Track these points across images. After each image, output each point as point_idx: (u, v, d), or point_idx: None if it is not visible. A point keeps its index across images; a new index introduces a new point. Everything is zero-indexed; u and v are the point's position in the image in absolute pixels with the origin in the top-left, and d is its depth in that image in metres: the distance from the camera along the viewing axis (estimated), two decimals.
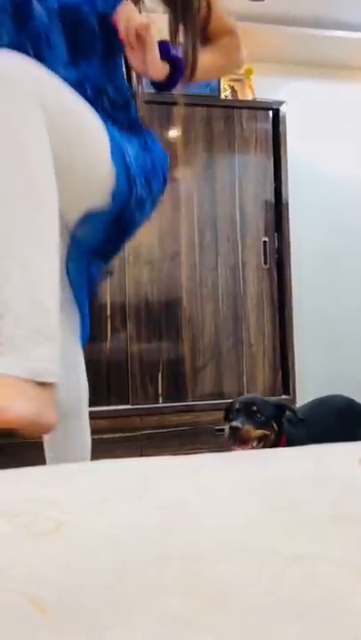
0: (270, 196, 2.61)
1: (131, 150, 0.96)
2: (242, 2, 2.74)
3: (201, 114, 2.55)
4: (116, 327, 2.41)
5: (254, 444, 1.47)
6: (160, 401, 2.44)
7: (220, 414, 2.42)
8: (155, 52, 0.92)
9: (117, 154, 0.92)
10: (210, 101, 2.59)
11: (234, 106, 2.60)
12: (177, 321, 2.47)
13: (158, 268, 2.46)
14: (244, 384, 2.54)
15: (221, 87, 2.94)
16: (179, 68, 1.01)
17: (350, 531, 0.45)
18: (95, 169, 0.91)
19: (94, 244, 1.02)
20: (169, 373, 2.46)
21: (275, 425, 1.54)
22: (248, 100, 2.70)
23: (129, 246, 2.38)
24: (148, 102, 2.35)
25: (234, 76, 3.05)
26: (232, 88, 3.14)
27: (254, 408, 1.51)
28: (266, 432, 1.51)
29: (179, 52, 1.03)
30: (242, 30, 2.63)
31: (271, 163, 2.61)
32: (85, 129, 0.89)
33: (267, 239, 2.59)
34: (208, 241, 2.52)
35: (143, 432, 2.35)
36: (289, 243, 2.63)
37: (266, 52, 3.09)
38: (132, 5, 0.94)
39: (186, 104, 2.51)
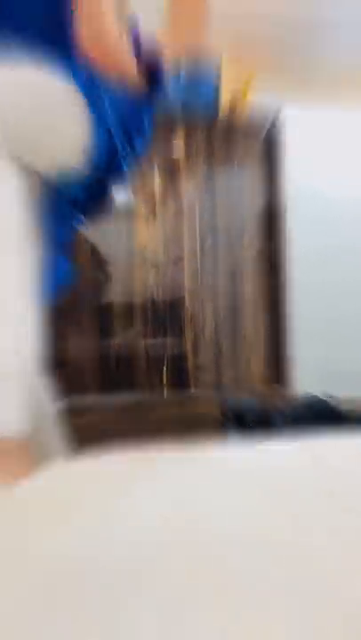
0: (266, 206, 2.85)
1: (108, 103, 0.93)
2: (240, 22, 2.99)
3: (201, 132, 2.79)
4: (124, 325, 2.67)
5: None
6: (165, 392, 2.70)
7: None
8: None
9: (94, 109, 0.90)
10: (209, 121, 2.84)
11: (232, 123, 2.84)
12: (180, 320, 2.72)
13: (163, 271, 2.71)
14: (242, 377, 2.79)
15: (221, 99, 3.18)
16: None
17: None
18: (69, 126, 0.89)
19: (73, 197, 0.99)
20: (173, 367, 2.71)
21: None
22: (246, 117, 2.93)
23: (136, 251, 2.65)
24: None
25: (232, 88, 3.29)
26: (230, 101, 3.39)
27: None
28: None
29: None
30: (240, 46, 2.92)
31: (269, 175, 2.85)
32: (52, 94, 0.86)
33: (264, 245, 2.83)
34: (208, 247, 2.77)
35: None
36: (285, 248, 2.87)
37: (264, 65, 3.33)
38: None
39: (186, 125, 2.77)
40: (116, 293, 2.65)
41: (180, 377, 2.72)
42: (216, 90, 2.96)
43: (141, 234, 2.70)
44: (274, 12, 2.88)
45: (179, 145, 2.77)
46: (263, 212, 2.84)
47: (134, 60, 0.92)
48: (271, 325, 2.85)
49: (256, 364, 2.82)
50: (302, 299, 3.25)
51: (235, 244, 2.80)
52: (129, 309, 2.67)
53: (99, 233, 2.63)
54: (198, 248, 2.76)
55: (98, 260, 2.62)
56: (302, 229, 3.21)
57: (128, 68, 0.91)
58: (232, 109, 3.27)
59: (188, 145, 2.77)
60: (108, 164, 0.93)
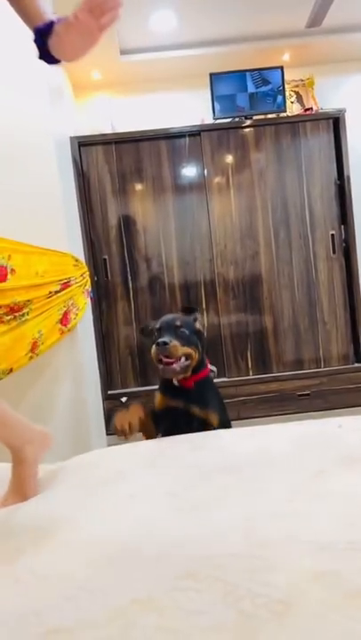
0: (334, 195, 3.02)
1: None
2: (301, 22, 3.12)
3: (270, 131, 3.01)
4: (210, 319, 3.00)
5: (181, 361, 1.46)
6: (250, 374, 3.02)
7: (301, 383, 2.96)
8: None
9: None
10: (277, 120, 3.04)
11: (298, 120, 3.02)
12: (260, 310, 3.01)
13: (241, 266, 3.00)
14: (321, 355, 3.03)
15: (287, 94, 3.35)
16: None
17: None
18: None
19: None
20: (256, 352, 3.02)
21: (199, 346, 1.53)
22: (311, 114, 3.09)
23: (216, 251, 2.96)
24: (220, 129, 2.89)
25: (297, 82, 3.44)
26: (297, 93, 3.54)
27: (178, 323, 1.50)
28: (190, 350, 1.48)
29: None
30: (303, 42, 3.08)
31: (335, 165, 3.01)
32: None
33: (334, 232, 3.02)
34: (282, 239, 3.01)
35: (239, 399, 2.95)
36: (355, 233, 3.03)
37: (327, 57, 3.44)
38: None
39: (255, 125, 2.99)
40: (200, 290, 2.99)
41: (263, 359, 3.02)
42: (281, 87, 3.13)
43: (217, 210, 2.99)
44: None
45: (250, 149, 3.01)
46: (334, 194, 3.01)
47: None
48: (347, 308, 3.06)
49: (334, 343, 3.05)
50: None
51: (307, 232, 3.01)
52: (213, 304, 3.00)
53: (176, 207, 2.96)
54: (273, 241, 3.01)
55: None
56: None
57: None
58: (298, 100, 3.43)
59: (257, 150, 3.00)
60: None
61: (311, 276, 3.03)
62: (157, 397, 1.56)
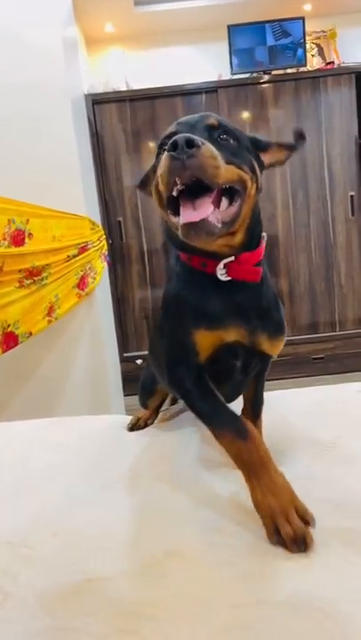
0: (355, 154, 2.93)
1: None
2: None
3: (289, 87, 2.90)
4: None
5: (223, 205, 0.70)
6: None
7: (316, 346, 2.97)
8: None
9: None
10: (297, 75, 2.92)
11: (319, 75, 2.90)
12: (277, 273, 2.99)
13: None
14: (336, 319, 3.03)
15: (307, 47, 3.20)
16: None
17: None
18: None
19: None
20: None
21: (257, 170, 0.78)
22: (332, 69, 2.96)
23: None
24: (237, 85, 2.79)
25: (318, 34, 3.28)
26: (318, 46, 3.38)
27: (211, 122, 0.73)
28: (244, 175, 0.72)
29: None
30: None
31: (355, 124, 2.91)
32: None
33: (353, 193, 2.95)
34: (300, 201, 2.95)
35: None
36: None
37: (350, 6, 3.26)
38: None
39: (274, 81, 2.89)
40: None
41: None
42: (302, 39, 3.00)
43: None
44: None
45: (269, 106, 2.91)
46: (351, 160, 2.93)
47: None
48: None
49: (350, 307, 3.03)
50: None
51: (325, 193, 2.95)
52: None
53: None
54: (290, 203, 2.95)
55: None
56: None
57: None
58: (319, 53, 3.28)
59: (276, 107, 2.90)
60: None
61: (329, 239, 2.99)
62: (199, 337, 0.76)
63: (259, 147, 0.83)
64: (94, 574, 0.60)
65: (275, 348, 0.82)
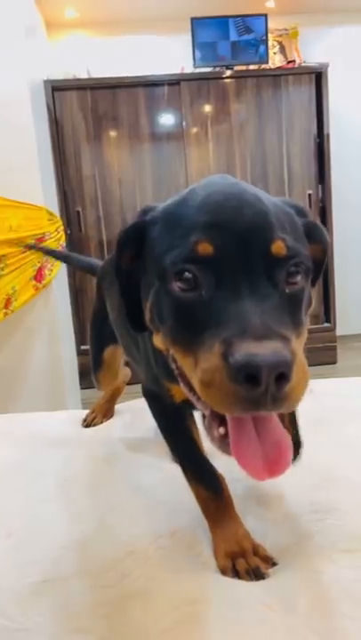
0: (313, 154, 2.99)
1: None
2: None
3: (251, 82, 2.92)
4: None
5: None
6: None
7: None
8: None
9: None
10: (258, 72, 2.95)
11: (280, 74, 2.94)
12: None
13: None
14: None
15: (270, 44, 3.22)
16: None
17: None
18: None
19: None
20: None
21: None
22: (293, 68, 3.01)
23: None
24: (200, 79, 2.80)
25: (280, 32, 3.32)
26: (280, 44, 3.42)
27: (283, 251, 0.50)
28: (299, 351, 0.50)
29: None
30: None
31: (315, 123, 2.97)
32: None
33: (311, 192, 3.02)
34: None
35: None
36: (331, 193, 3.04)
37: (313, 6, 3.31)
38: None
39: (237, 77, 2.90)
40: None
41: None
42: (265, 37, 3.03)
43: (194, 162, 2.92)
44: None
45: (231, 100, 2.93)
46: (313, 152, 2.99)
47: None
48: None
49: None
50: (347, 241, 3.45)
51: (284, 190, 3.00)
52: None
53: (152, 158, 2.88)
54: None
55: None
56: (346, 172, 3.34)
57: None
58: (281, 51, 3.32)
59: (238, 101, 2.92)
60: None
61: None
62: (173, 389, 0.67)
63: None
64: (50, 575, 0.60)
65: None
